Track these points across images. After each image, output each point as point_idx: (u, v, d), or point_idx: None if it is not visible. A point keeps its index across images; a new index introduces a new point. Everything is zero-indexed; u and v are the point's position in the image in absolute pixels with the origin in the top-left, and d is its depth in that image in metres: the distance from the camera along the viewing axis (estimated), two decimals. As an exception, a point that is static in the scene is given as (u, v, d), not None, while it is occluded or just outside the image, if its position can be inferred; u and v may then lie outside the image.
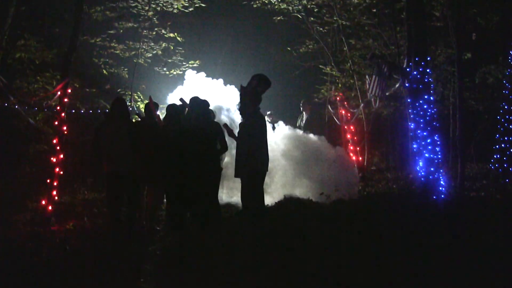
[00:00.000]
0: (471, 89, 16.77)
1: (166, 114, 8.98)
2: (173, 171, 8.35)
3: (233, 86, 13.33)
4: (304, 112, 15.36)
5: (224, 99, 12.99)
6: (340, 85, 15.94)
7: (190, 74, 13.57)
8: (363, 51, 16.79)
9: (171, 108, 8.95)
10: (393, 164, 18.27)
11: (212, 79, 13.48)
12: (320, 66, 17.35)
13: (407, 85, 11.31)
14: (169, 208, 8.76)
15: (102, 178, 8.96)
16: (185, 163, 8.30)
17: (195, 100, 9.08)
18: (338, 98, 15.56)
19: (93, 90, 15.71)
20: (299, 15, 16.57)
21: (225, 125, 9.32)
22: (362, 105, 15.52)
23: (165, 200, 9.35)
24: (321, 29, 16.74)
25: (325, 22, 16.76)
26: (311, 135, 13.14)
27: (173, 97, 12.44)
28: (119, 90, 15.79)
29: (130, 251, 8.11)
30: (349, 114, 15.44)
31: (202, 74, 13.46)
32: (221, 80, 13.52)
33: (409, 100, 11.53)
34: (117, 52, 15.59)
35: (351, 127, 15.32)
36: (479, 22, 15.99)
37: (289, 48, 18.89)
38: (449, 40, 14.39)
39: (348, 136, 15.27)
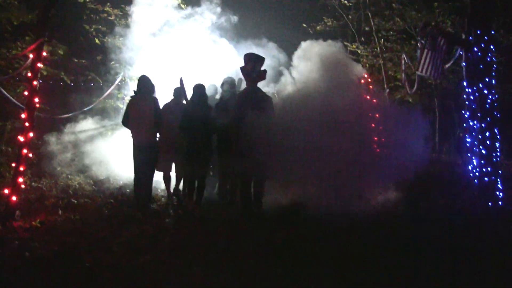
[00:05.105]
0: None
1: (193, 93, 9.40)
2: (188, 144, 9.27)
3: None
4: None
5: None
6: (367, 65, 14.13)
7: None
8: (389, 32, 15.18)
9: (198, 88, 9.40)
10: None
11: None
12: (345, 43, 15.58)
13: (464, 64, 9.30)
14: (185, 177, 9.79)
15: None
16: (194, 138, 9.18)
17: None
18: (362, 81, 13.66)
19: (82, 60, 13.94)
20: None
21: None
22: (387, 90, 13.72)
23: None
24: (345, 1, 14.95)
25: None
26: None
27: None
28: (112, 62, 13.96)
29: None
30: (374, 100, 13.52)
31: None
32: None
33: (465, 83, 9.45)
34: (111, 18, 13.74)
35: (376, 115, 13.41)
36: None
37: (304, 25, 17.21)
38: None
39: (372, 125, 13.36)
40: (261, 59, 9.03)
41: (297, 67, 10.48)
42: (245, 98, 8.79)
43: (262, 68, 9.15)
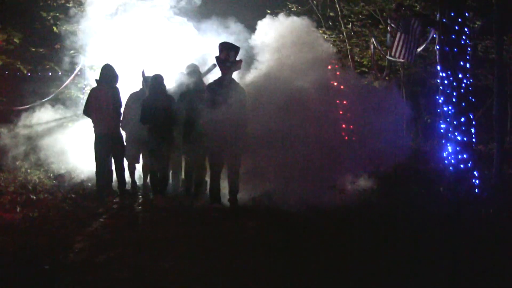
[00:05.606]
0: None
1: (150, 85, 9.26)
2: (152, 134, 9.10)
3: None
4: None
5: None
6: (335, 50, 13.98)
7: None
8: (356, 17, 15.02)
9: (155, 79, 9.25)
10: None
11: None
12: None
13: (437, 47, 9.06)
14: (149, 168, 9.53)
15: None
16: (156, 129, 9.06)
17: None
18: (329, 67, 13.50)
19: (39, 49, 13.43)
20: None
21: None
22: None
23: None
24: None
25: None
26: None
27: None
28: (72, 51, 13.46)
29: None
30: (342, 87, 13.35)
31: None
32: None
33: (438, 67, 9.19)
34: (69, 5, 13.21)
35: (344, 102, 13.24)
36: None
37: (268, 11, 16.96)
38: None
39: (340, 112, 13.18)
40: (235, 48, 8.83)
41: (258, 47, 10.07)
42: (217, 88, 8.56)
43: (238, 58, 8.92)
